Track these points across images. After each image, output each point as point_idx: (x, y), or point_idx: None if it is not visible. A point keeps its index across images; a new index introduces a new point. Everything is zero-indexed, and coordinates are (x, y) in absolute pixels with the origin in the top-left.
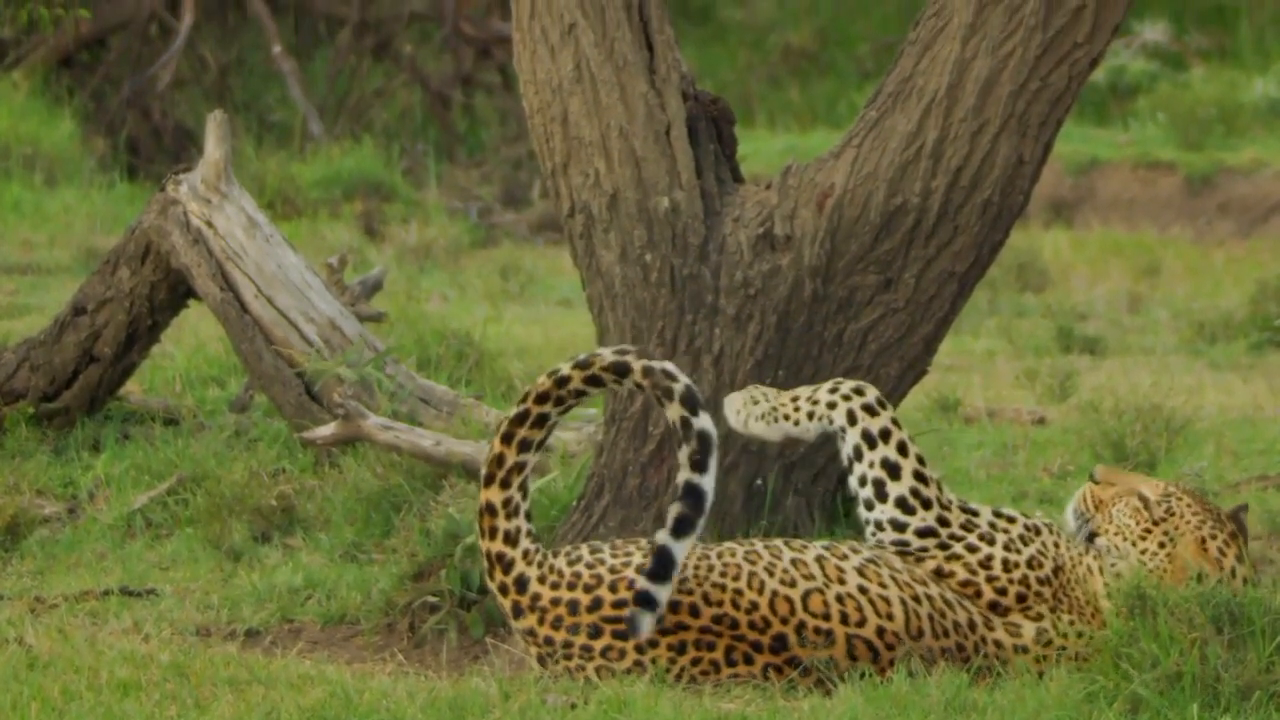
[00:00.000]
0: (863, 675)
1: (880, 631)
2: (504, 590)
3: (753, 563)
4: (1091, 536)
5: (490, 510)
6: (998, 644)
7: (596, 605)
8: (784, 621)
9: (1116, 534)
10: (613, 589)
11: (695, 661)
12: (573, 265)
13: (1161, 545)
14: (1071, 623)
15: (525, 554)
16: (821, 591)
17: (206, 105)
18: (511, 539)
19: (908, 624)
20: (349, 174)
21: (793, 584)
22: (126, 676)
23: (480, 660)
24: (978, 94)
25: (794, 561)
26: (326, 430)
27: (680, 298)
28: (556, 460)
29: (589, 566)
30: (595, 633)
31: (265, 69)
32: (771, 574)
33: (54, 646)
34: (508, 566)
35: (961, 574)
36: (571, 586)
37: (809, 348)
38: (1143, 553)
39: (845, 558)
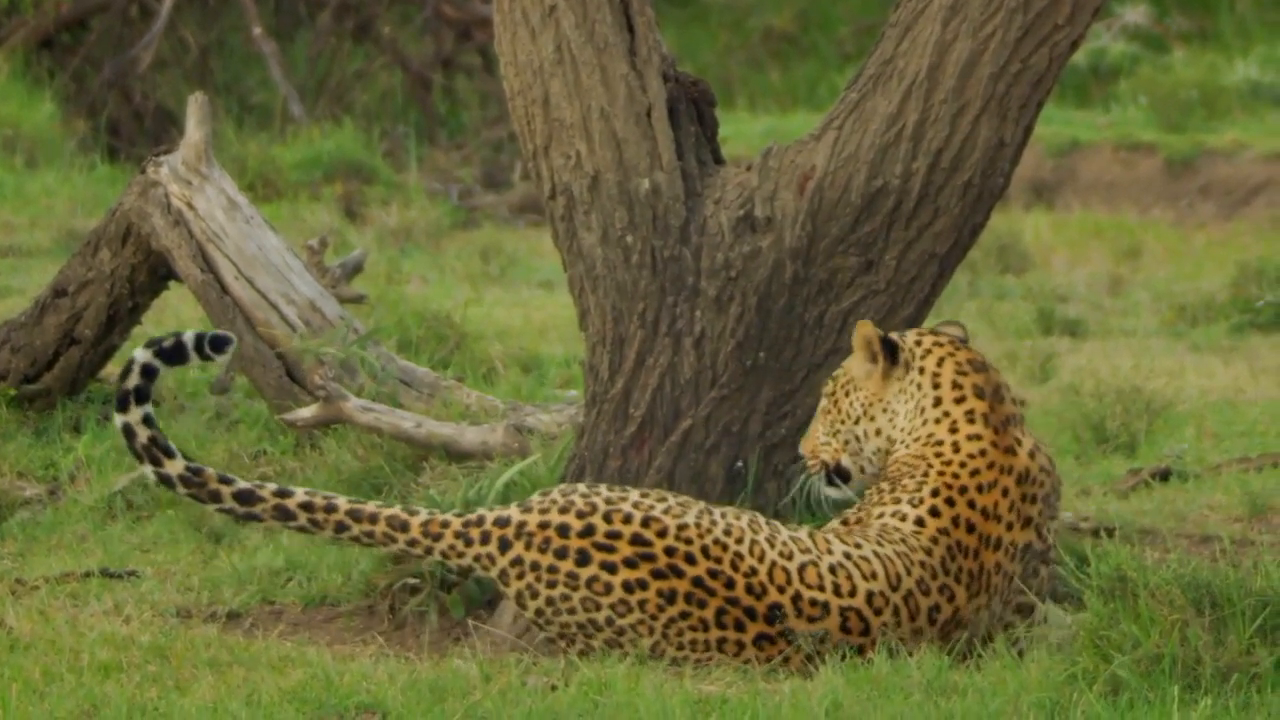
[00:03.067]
0: (844, 656)
1: (869, 596)
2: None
3: (755, 531)
4: (840, 474)
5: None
6: (924, 543)
7: (589, 531)
8: (780, 591)
9: (838, 435)
10: (607, 519)
11: (684, 615)
12: (554, 247)
13: (847, 394)
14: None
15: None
16: (815, 564)
17: (187, 87)
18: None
19: (888, 576)
20: (329, 156)
21: (790, 557)
22: (107, 658)
23: (461, 642)
24: (958, 76)
25: (791, 538)
26: (307, 412)
27: (661, 279)
28: (537, 443)
29: (584, 496)
30: (583, 559)
31: (246, 51)
32: (772, 545)
33: (35, 628)
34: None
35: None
36: (564, 511)
37: (790, 330)
38: (842, 413)
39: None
